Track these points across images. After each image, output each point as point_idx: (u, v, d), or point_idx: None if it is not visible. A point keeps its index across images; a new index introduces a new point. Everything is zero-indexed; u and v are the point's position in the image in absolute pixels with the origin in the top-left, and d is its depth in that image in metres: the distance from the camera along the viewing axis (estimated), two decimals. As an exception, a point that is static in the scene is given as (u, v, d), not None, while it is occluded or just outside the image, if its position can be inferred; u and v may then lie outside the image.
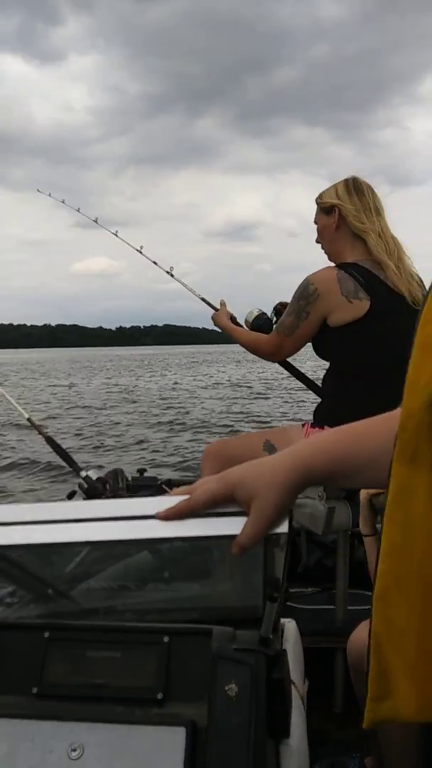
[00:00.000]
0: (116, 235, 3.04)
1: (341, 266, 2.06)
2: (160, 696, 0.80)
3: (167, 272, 2.88)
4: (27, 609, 1.12)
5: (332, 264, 2.15)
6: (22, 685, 0.83)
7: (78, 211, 3.16)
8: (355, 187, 2.11)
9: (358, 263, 2.05)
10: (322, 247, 2.22)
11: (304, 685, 1.05)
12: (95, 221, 3.09)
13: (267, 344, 2.24)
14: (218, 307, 2.55)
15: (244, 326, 2.49)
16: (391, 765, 1.45)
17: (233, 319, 2.51)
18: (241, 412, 13.71)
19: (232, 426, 11.53)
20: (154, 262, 2.94)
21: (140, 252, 2.95)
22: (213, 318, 2.52)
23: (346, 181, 2.14)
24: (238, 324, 2.51)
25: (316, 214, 2.19)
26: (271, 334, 2.24)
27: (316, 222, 2.20)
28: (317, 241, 2.23)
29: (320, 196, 2.17)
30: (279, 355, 2.25)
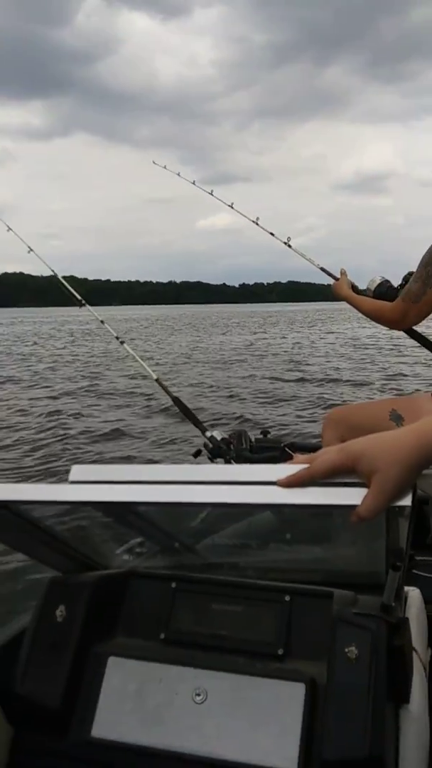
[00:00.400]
0: (232, 207, 2.99)
1: None
2: (280, 652, 0.83)
3: (285, 243, 2.82)
4: (155, 560, 1.18)
5: None
6: (150, 631, 0.89)
7: (194, 183, 3.17)
8: None
9: None
10: None
11: (427, 654, 1.04)
12: (211, 193, 3.09)
13: (391, 312, 2.17)
14: (338, 276, 2.49)
15: (368, 294, 2.41)
16: None
17: (354, 288, 2.44)
18: (368, 371, 13.46)
19: (358, 384, 11.35)
20: (271, 233, 2.88)
21: (256, 224, 2.91)
22: (333, 287, 2.46)
23: None
24: (359, 293, 2.44)
25: None
26: (396, 301, 2.15)
27: None
28: None
29: None
30: (403, 323, 2.17)
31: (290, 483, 0.70)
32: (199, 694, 0.81)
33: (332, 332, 29.65)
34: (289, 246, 2.82)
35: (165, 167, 3.36)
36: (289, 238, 2.83)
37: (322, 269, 2.64)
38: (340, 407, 2.47)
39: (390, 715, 0.78)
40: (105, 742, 0.82)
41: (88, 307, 2.95)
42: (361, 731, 0.73)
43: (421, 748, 0.84)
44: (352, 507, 0.66)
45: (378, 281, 2.38)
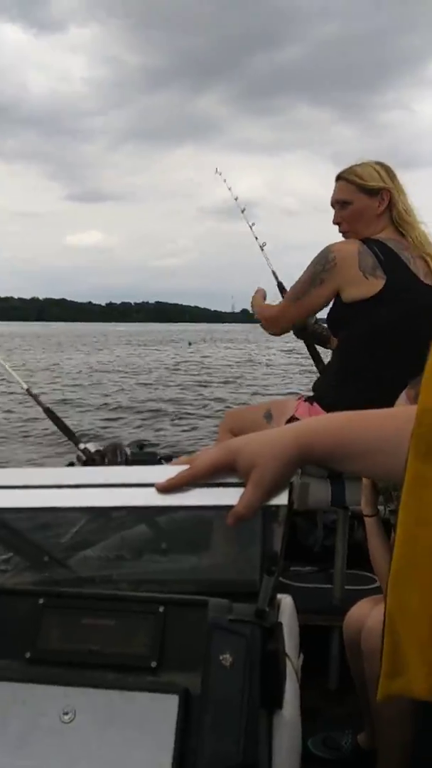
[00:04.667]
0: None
1: (365, 241, 2.02)
2: (153, 664, 0.80)
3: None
4: (23, 576, 1.12)
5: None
6: (15, 650, 0.83)
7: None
8: (393, 174, 2.09)
9: (381, 240, 2.01)
10: (345, 227, 2.13)
11: (299, 660, 1.06)
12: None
13: (271, 308, 2.21)
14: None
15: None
16: (384, 741, 1.46)
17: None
18: (245, 386, 14.05)
19: (237, 402, 11.74)
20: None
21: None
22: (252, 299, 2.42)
23: (381, 165, 2.10)
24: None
25: (350, 193, 2.09)
26: (280, 301, 2.21)
27: (346, 200, 2.10)
28: (336, 222, 2.14)
29: (360, 176, 2.08)
30: (280, 321, 2.19)
31: (170, 486, 0.69)
32: (66, 713, 0.76)
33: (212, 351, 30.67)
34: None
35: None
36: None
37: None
38: (233, 409, 2.58)
39: (263, 721, 0.78)
40: None
41: None
42: (235, 739, 0.72)
43: (294, 752, 0.85)
44: (231, 507, 0.66)
45: None
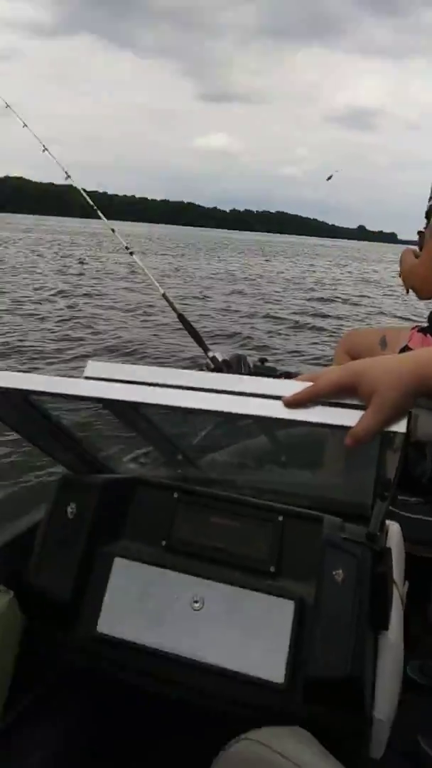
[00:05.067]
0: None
1: None
2: (272, 569, 0.88)
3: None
4: (158, 471, 1.21)
5: None
6: (153, 537, 0.93)
7: None
8: None
9: None
10: None
11: (404, 587, 1.10)
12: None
13: (420, 263, 1.94)
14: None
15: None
16: None
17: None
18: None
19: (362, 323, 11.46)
20: None
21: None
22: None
23: None
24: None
25: None
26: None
27: None
28: None
29: None
30: None
31: (295, 400, 0.71)
32: (196, 602, 0.85)
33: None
34: None
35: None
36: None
37: None
38: (353, 330, 2.51)
39: (370, 640, 0.82)
40: (108, 638, 0.86)
41: (99, 214, 2.87)
42: (344, 652, 0.77)
43: (396, 675, 0.89)
44: (349, 428, 0.68)
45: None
